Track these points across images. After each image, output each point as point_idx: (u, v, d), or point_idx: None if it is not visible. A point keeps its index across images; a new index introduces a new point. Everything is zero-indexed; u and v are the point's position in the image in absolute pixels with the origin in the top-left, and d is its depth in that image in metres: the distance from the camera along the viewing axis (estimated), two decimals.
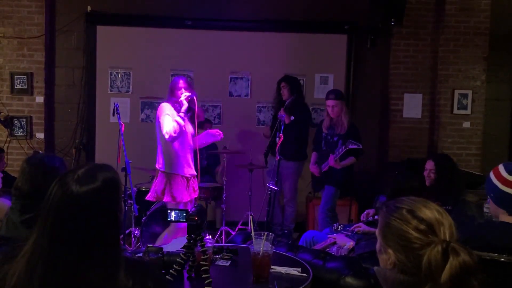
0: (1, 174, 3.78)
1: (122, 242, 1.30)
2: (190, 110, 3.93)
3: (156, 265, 2.09)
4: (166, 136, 3.73)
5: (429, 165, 3.49)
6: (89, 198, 1.19)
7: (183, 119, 3.81)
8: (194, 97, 3.87)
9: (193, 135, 4.02)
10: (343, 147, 4.37)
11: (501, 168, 2.08)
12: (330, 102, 4.59)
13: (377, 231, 1.41)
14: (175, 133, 3.73)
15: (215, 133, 4.10)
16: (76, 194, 1.19)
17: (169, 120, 3.75)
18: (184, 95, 3.86)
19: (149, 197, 3.95)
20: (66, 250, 1.17)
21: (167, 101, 3.93)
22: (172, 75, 5.77)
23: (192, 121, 3.98)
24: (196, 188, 4.03)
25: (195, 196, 4.03)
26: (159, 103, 4.01)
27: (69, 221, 1.18)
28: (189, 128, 3.96)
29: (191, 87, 3.95)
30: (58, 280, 1.16)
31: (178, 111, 3.84)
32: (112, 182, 1.26)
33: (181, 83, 3.92)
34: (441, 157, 3.71)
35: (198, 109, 4.02)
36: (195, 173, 4.00)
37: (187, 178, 3.92)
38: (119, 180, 1.30)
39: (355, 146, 4.29)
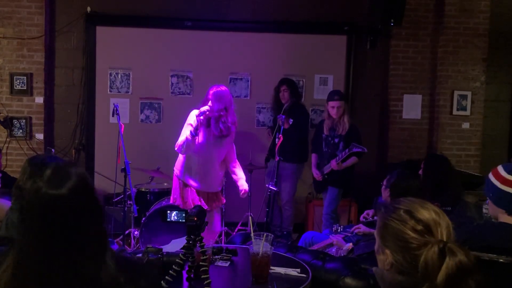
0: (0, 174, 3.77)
1: (108, 237, 1.30)
2: (208, 124, 3.80)
3: (151, 264, 2.09)
4: (176, 148, 3.76)
5: (422, 164, 3.55)
6: (62, 199, 1.19)
7: (193, 135, 3.70)
8: (214, 110, 3.75)
9: (216, 147, 3.87)
10: (347, 150, 4.38)
11: (500, 168, 2.11)
12: (335, 103, 4.57)
13: (375, 232, 1.42)
14: (181, 146, 3.72)
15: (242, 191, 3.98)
16: (48, 196, 1.18)
17: (185, 131, 3.74)
18: (202, 109, 3.73)
19: (171, 201, 4.01)
20: (54, 252, 1.17)
21: (198, 108, 3.84)
22: (172, 76, 5.77)
23: (219, 134, 3.82)
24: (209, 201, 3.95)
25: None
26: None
27: (46, 222, 1.18)
28: (214, 142, 3.84)
29: (218, 100, 3.75)
30: (47, 276, 1.16)
31: (200, 120, 3.75)
32: (83, 181, 1.24)
33: (210, 93, 3.79)
34: (432, 157, 3.75)
35: (220, 125, 3.79)
36: (209, 190, 3.92)
37: (199, 191, 3.90)
38: (88, 177, 1.28)
39: (359, 150, 4.30)
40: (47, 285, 1.16)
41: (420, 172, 3.55)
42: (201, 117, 3.72)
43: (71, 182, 1.21)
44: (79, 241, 1.19)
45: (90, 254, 1.20)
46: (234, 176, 4.05)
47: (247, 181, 5.07)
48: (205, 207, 3.86)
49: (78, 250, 1.19)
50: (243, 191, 3.96)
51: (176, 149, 3.77)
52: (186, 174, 3.91)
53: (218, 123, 3.78)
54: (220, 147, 3.90)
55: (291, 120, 4.52)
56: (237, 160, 4.10)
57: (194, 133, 3.70)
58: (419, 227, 1.29)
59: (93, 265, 1.19)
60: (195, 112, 3.79)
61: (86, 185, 1.25)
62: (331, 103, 4.61)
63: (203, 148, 3.84)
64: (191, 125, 3.72)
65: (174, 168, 4.00)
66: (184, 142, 3.70)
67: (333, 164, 4.51)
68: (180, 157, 3.94)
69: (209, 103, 3.77)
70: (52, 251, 1.17)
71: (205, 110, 3.72)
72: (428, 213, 1.31)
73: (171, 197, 4.03)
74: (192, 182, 3.90)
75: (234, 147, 4.07)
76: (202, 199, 3.92)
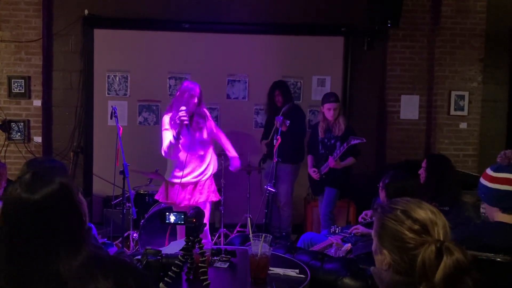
0: (4, 184, 3.76)
1: (85, 242, 1.31)
2: (191, 120, 3.78)
3: (133, 262, 2.10)
4: (163, 153, 3.74)
5: (423, 163, 3.56)
6: (40, 203, 1.20)
7: (176, 139, 3.66)
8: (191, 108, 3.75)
9: (203, 140, 3.86)
10: (345, 144, 4.37)
11: (488, 169, 2.17)
12: (331, 105, 4.58)
13: (372, 232, 1.43)
14: (166, 153, 3.72)
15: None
16: (26, 201, 1.19)
17: (166, 135, 3.69)
18: (180, 113, 3.61)
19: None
20: (25, 252, 1.18)
21: (169, 112, 3.81)
22: (169, 78, 5.78)
23: (198, 128, 3.83)
24: (203, 192, 3.90)
25: (198, 200, 3.87)
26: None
27: (23, 226, 1.19)
28: (196, 136, 3.83)
29: (191, 97, 3.72)
30: (24, 281, 1.18)
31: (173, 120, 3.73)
32: (61, 188, 1.24)
33: (182, 90, 3.76)
34: (435, 157, 3.75)
35: (199, 120, 3.82)
36: (201, 178, 3.88)
37: (182, 183, 3.86)
38: (69, 185, 1.28)
39: (358, 141, 4.29)
40: (15, 281, 1.18)
41: (421, 171, 3.54)
42: (182, 119, 3.64)
43: (48, 188, 1.21)
44: (49, 243, 1.20)
45: (60, 256, 1.20)
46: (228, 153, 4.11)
47: (245, 182, 5.11)
48: (193, 201, 3.86)
49: (47, 252, 1.20)
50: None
51: (163, 154, 3.74)
52: (172, 172, 3.88)
53: (197, 119, 3.80)
54: (202, 139, 3.86)
55: (288, 122, 4.50)
56: (228, 143, 4.06)
57: (177, 137, 3.64)
58: (416, 227, 1.30)
59: (63, 265, 1.20)
60: (166, 118, 3.76)
61: (64, 193, 1.24)
62: (327, 105, 4.62)
63: (187, 147, 3.79)
64: (168, 129, 3.72)
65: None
66: (168, 147, 3.68)
67: (330, 161, 4.49)
68: (168, 161, 3.91)
69: (181, 114, 3.64)
70: (20, 251, 1.18)
71: (182, 115, 3.61)
72: (424, 212, 1.32)
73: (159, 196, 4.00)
74: (177, 177, 3.84)
75: (220, 133, 4.04)
76: (188, 193, 3.87)
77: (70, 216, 1.25)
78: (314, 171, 4.75)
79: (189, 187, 3.90)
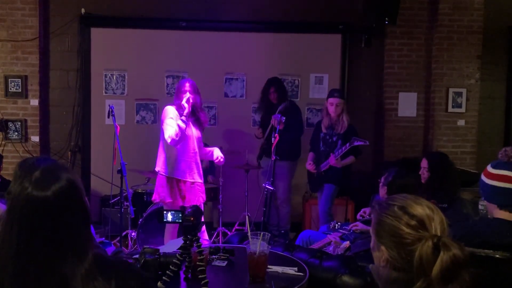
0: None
1: (92, 240, 1.31)
2: (193, 114, 3.85)
3: (135, 264, 2.09)
4: (168, 140, 3.68)
5: (424, 163, 3.53)
6: (51, 200, 1.19)
7: (185, 123, 3.71)
8: (197, 101, 3.83)
9: (200, 140, 3.95)
10: (347, 144, 4.37)
11: (488, 166, 2.18)
12: (334, 100, 4.59)
13: (370, 229, 1.43)
14: (176, 136, 3.67)
15: (217, 158, 3.99)
16: (38, 198, 1.18)
17: (171, 123, 3.70)
18: (186, 97, 3.76)
19: (154, 198, 3.95)
20: (34, 251, 1.18)
21: (172, 104, 3.86)
22: (167, 77, 5.77)
23: (198, 125, 3.92)
24: (201, 194, 3.94)
25: (199, 202, 3.90)
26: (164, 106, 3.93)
27: (34, 225, 1.18)
28: (195, 132, 3.88)
29: (196, 91, 3.84)
30: (29, 281, 1.17)
31: (181, 114, 3.75)
32: (71, 184, 1.23)
33: (187, 86, 3.81)
34: (434, 156, 3.75)
35: (202, 114, 3.95)
36: (199, 180, 3.91)
37: (190, 182, 3.86)
38: (77, 181, 1.27)
39: (361, 143, 4.30)
40: (21, 280, 1.17)
41: (422, 172, 3.52)
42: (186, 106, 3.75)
43: (58, 184, 1.20)
44: (58, 242, 1.19)
45: (68, 256, 1.20)
46: (207, 151, 4.06)
47: (243, 181, 5.10)
48: (199, 201, 3.89)
49: (56, 251, 1.19)
50: (218, 159, 3.97)
51: (169, 141, 3.70)
52: (185, 172, 3.85)
53: (204, 115, 3.90)
54: (198, 137, 3.92)
55: (284, 119, 4.49)
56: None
57: (186, 121, 3.72)
58: (413, 223, 1.30)
59: (70, 266, 1.19)
60: (171, 108, 3.80)
61: (74, 189, 1.24)
62: (330, 100, 4.63)
63: (193, 142, 3.86)
64: (172, 118, 3.73)
65: (165, 171, 3.86)
66: (179, 132, 3.68)
67: (332, 159, 4.49)
68: (172, 158, 3.88)
69: (187, 95, 3.77)
70: (30, 250, 1.17)
71: (189, 98, 3.76)
72: (421, 208, 1.32)
73: (156, 196, 3.92)
74: (192, 177, 3.86)
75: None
76: (191, 193, 3.86)
77: (79, 214, 1.24)
78: (310, 164, 4.76)
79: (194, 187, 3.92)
